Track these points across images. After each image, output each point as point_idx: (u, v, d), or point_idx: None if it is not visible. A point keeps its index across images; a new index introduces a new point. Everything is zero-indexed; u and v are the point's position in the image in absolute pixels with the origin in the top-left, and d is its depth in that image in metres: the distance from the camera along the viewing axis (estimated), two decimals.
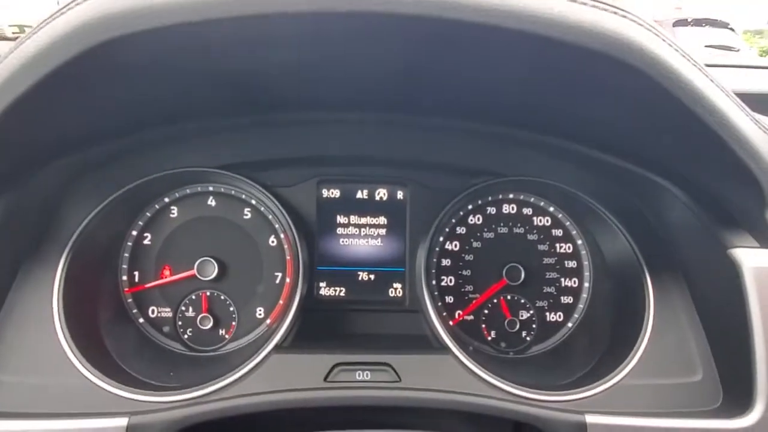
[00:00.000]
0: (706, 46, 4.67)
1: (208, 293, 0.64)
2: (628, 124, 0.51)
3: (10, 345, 0.52)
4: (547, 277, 0.68)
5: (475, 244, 0.68)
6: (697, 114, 0.41)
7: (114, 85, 0.42)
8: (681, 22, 5.26)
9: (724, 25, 5.38)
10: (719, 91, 0.42)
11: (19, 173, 0.50)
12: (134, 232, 0.64)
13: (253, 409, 0.51)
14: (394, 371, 0.55)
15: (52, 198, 0.56)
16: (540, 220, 0.68)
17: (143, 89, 0.45)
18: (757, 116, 0.46)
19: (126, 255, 0.64)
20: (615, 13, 0.38)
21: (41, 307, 0.54)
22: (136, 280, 0.64)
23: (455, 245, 0.68)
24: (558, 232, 0.68)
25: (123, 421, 0.48)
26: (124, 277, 0.63)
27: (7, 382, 0.51)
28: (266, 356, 0.55)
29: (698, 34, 5.09)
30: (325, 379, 0.54)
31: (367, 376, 0.55)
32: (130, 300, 0.64)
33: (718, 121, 0.42)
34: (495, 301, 0.67)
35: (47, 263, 0.56)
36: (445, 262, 0.67)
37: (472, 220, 0.68)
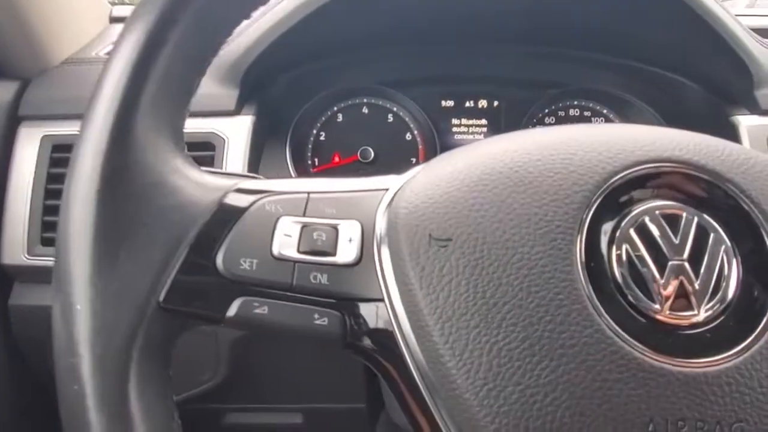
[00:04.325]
0: None
1: (371, 171, 0.92)
2: (662, 41, 0.78)
3: None
4: None
5: None
6: (713, 27, 0.68)
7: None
8: None
9: None
10: (727, 14, 0.69)
11: (274, 74, 0.77)
12: (314, 131, 0.92)
13: None
14: None
15: (277, 101, 0.84)
16: (596, 120, 0.95)
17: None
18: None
19: (310, 146, 0.91)
20: None
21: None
22: (317, 163, 0.92)
23: None
24: None
25: None
26: (310, 162, 0.91)
27: None
28: None
29: None
30: None
31: None
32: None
33: (726, 31, 0.69)
34: None
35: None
36: None
37: (547, 121, 0.95)
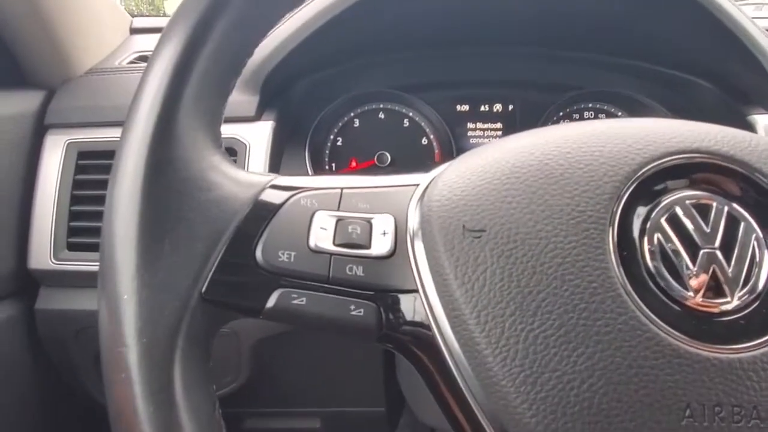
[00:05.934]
0: None
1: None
2: (676, 41, 0.78)
3: None
4: None
5: None
6: (728, 26, 0.68)
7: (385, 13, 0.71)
8: None
9: None
10: (741, 13, 0.69)
11: (293, 80, 0.79)
12: (331, 137, 0.93)
13: None
14: None
15: (295, 107, 0.85)
16: None
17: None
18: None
19: (327, 152, 0.92)
20: None
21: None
22: (334, 168, 0.93)
23: None
24: None
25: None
26: (328, 167, 0.92)
27: None
28: None
29: None
30: None
31: None
32: None
33: (741, 30, 0.69)
34: None
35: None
36: None
37: (562, 123, 0.95)
